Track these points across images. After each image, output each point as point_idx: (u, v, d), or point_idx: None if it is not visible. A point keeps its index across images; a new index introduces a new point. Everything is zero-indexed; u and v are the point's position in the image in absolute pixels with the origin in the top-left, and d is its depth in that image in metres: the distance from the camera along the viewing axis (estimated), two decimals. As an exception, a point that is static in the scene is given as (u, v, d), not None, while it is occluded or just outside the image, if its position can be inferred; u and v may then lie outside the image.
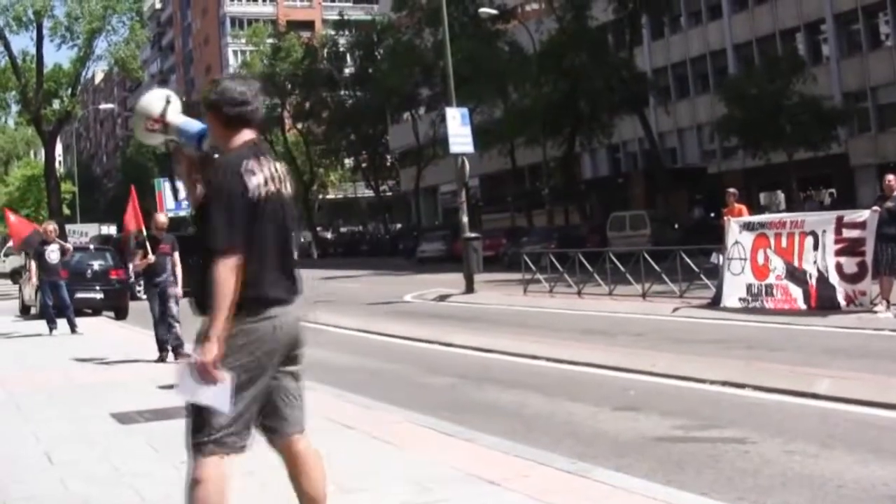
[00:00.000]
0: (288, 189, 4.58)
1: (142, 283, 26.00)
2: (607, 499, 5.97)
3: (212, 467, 4.27)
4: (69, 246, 21.39)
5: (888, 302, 15.81)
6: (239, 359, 4.28)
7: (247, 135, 4.55)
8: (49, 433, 8.64)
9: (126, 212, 15.51)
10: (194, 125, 4.89)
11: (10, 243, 24.17)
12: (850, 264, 16.22)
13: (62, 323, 19.72)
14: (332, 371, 12.41)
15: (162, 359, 14.29)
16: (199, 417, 4.32)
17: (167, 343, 14.33)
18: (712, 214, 37.82)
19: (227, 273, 4.22)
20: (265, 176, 4.42)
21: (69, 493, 6.60)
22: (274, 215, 4.43)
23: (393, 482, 6.55)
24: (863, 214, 16.56)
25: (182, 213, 40.86)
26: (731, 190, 22.17)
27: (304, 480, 4.59)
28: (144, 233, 14.71)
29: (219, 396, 4.27)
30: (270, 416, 4.54)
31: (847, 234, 16.32)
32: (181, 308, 13.35)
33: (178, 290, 14.39)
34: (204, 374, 4.22)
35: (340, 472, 6.73)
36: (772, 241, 17.45)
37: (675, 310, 18.95)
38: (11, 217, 22.23)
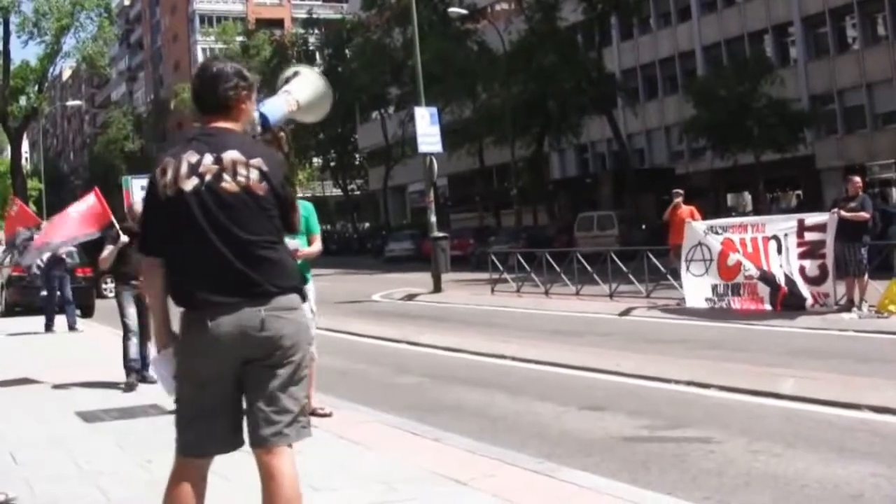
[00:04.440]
0: (233, 182, 4.22)
1: (108, 281, 25.87)
2: (573, 498, 5.99)
3: (175, 467, 4.24)
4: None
5: (852, 302, 15.94)
6: (182, 358, 4.26)
7: (210, 123, 4.38)
8: (13, 433, 8.58)
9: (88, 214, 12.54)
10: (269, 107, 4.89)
11: None
12: (812, 267, 16.34)
13: (56, 320, 19.80)
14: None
15: (130, 386, 11.21)
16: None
17: (135, 366, 11.43)
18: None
19: (144, 276, 4.32)
20: (174, 174, 4.21)
21: (34, 493, 6.56)
22: (179, 216, 4.18)
23: (360, 482, 6.55)
24: (823, 217, 16.68)
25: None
26: (678, 190, 22.20)
27: (266, 499, 4.28)
28: (117, 226, 11.76)
29: (163, 379, 4.47)
30: (247, 428, 4.34)
31: (808, 236, 16.43)
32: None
33: None
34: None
35: (308, 472, 6.72)
36: (737, 244, 17.52)
37: (641, 310, 19.04)
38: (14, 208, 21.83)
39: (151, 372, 4.67)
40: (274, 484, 4.25)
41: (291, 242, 8.64)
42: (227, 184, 4.24)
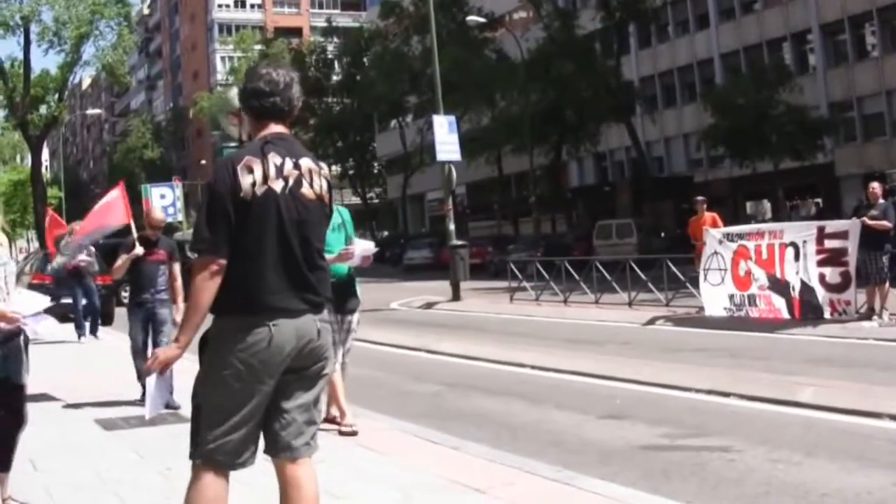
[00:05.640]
0: (310, 189, 4.31)
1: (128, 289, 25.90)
2: (592, 507, 5.99)
3: (201, 480, 4.17)
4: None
5: (873, 310, 15.85)
6: (229, 363, 4.12)
7: (273, 128, 4.36)
8: (33, 439, 8.60)
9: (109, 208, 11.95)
10: None
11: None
12: (833, 274, 16.25)
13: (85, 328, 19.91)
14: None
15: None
16: (193, 428, 4.27)
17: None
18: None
19: (203, 278, 4.13)
20: (263, 173, 4.17)
21: (54, 500, 6.58)
22: (268, 216, 4.16)
23: (378, 490, 6.55)
24: (845, 224, 16.61)
25: (170, 220, 40.79)
26: (699, 198, 22.00)
27: None
28: (135, 233, 10.88)
29: (153, 398, 4.49)
30: (268, 436, 4.32)
31: (829, 244, 16.34)
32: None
33: (176, 313, 10.50)
34: (155, 367, 4.34)
35: (327, 480, 6.73)
36: (752, 252, 17.46)
37: (660, 319, 18.99)
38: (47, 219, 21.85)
39: (150, 388, 4.57)
40: (298, 493, 4.28)
41: (368, 245, 8.68)
42: (307, 190, 4.30)
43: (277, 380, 4.22)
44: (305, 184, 4.30)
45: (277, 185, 4.21)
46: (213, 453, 4.17)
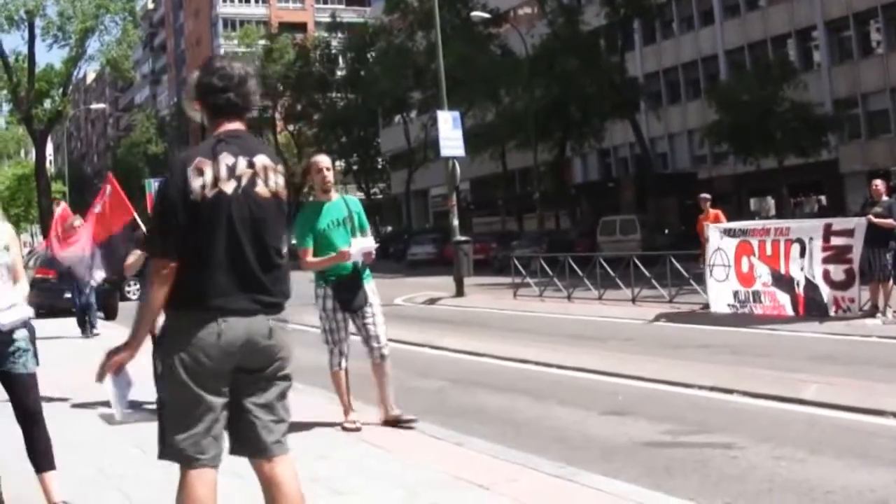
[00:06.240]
0: (265, 187, 4.27)
1: (132, 284, 25.93)
2: (595, 503, 5.98)
3: (187, 481, 4.17)
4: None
5: (876, 308, 15.84)
6: (181, 357, 4.13)
7: (227, 126, 4.31)
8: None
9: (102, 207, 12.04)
10: None
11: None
12: (837, 272, 16.24)
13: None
14: (323, 374, 12.38)
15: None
16: (160, 427, 4.31)
17: None
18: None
19: (154, 281, 4.16)
20: (214, 175, 4.13)
21: (56, 495, 6.58)
22: (218, 219, 4.13)
23: (382, 486, 6.55)
24: (851, 222, 16.60)
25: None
26: (705, 195, 21.96)
27: None
28: (142, 227, 10.95)
29: (117, 398, 4.50)
30: (238, 439, 4.30)
31: (835, 241, 16.33)
32: None
33: None
34: (109, 369, 4.35)
35: (330, 476, 6.75)
36: (755, 248, 17.44)
37: (664, 316, 18.98)
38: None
39: (111, 391, 4.55)
40: (278, 492, 4.27)
41: (367, 242, 8.53)
42: (261, 188, 4.26)
43: (233, 379, 4.20)
44: (260, 182, 4.26)
45: (229, 187, 4.17)
46: (177, 451, 4.17)
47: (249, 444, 4.28)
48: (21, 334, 6.03)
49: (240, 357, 4.17)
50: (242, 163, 4.23)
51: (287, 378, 4.36)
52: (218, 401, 4.18)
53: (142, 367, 4.39)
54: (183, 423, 4.16)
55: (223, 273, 4.15)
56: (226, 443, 4.30)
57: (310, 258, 8.42)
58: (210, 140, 4.29)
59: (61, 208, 15.87)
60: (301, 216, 8.66)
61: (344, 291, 8.51)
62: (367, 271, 8.77)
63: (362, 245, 8.41)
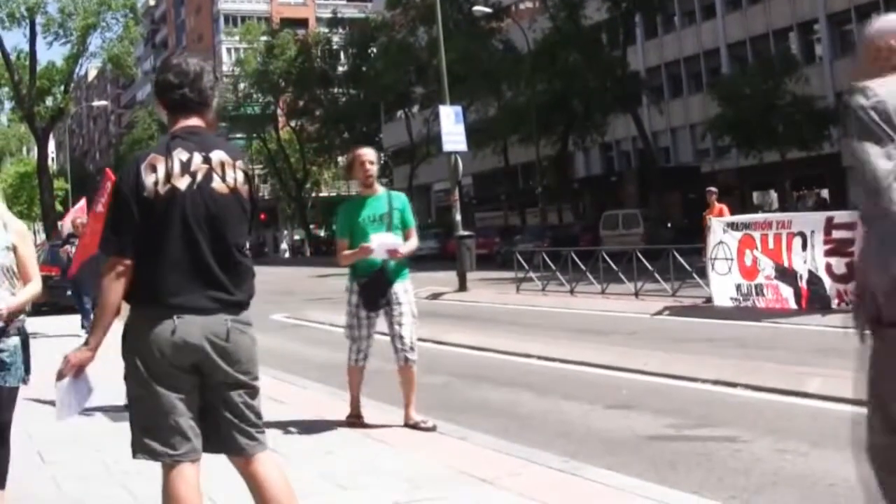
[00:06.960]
0: (222, 182, 4.21)
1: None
2: (599, 497, 5.99)
3: (168, 479, 4.16)
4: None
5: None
6: (139, 353, 4.14)
7: (184, 122, 4.27)
8: (41, 431, 8.61)
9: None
10: None
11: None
12: (839, 265, 16.21)
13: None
14: (326, 369, 12.43)
15: None
16: (130, 423, 4.30)
17: None
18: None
19: (110, 279, 4.15)
20: (166, 171, 4.11)
21: (62, 491, 6.60)
22: (171, 215, 4.10)
23: (386, 480, 6.55)
24: (853, 215, 16.55)
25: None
26: (711, 189, 22.04)
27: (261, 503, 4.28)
28: None
29: (64, 400, 4.44)
30: (209, 438, 4.24)
31: (836, 234, 16.31)
32: None
33: None
34: (67, 370, 4.35)
35: (335, 471, 6.76)
36: (758, 241, 17.43)
37: (667, 309, 18.98)
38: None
39: (62, 391, 4.53)
40: (262, 490, 4.26)
41: (389, 238, 8.35)
42: (218, 184, 4.21)
43: (195, 379, 4.17)
44: (217, 178, 4.20)
45: (182, 183, 4.13)
46: (146, 447, 4.17)
47: (221, 443, 4.27)
48: (9, 344, 5.74)
49: (199, 357, 4.13)
50: (198, 158, 4.19)
51: (255, 379, 4.30)
52: (179, 396, 4.14)
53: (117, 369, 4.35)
54: (148, 419, 4.17)
55: (179, 270, 4.12)
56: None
57: (343, 252, 8.36)
58: (165, 137, 4.29)
59: (81, 205, 15.62)
60: (342, 210, 8.64)
61: (367, 288, 8.40)
62: (405, 270, 8.55)
63: (383, 240, 8.15)
